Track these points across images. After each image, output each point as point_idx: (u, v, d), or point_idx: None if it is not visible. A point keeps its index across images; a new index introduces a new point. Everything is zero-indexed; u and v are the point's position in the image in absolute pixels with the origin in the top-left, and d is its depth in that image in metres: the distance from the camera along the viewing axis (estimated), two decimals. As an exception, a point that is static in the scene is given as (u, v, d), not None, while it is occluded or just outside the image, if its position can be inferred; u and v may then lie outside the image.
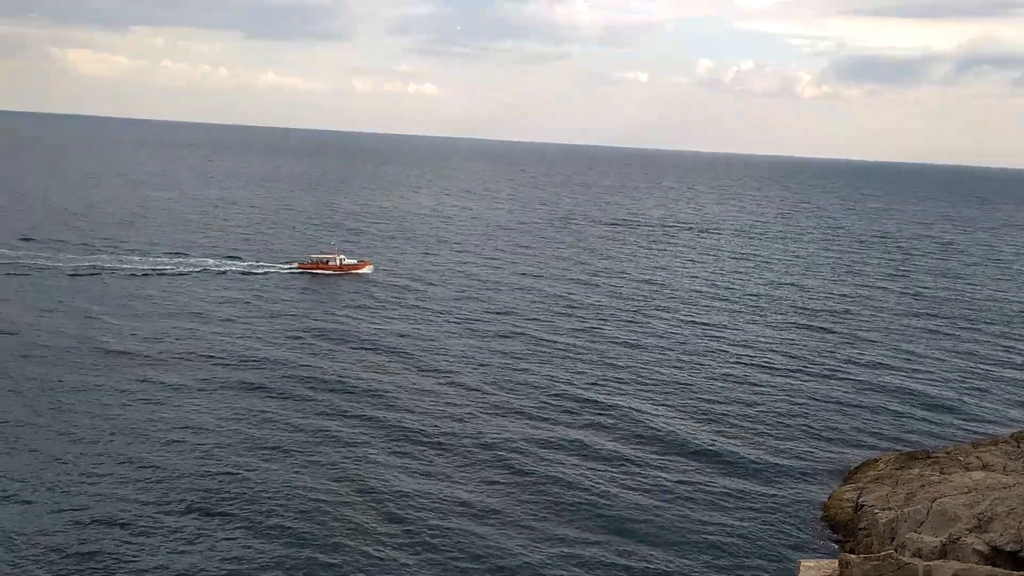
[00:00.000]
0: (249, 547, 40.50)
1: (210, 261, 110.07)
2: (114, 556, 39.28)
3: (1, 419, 54.32)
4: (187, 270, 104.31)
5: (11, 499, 44.10)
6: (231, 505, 44.39)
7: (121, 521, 42.25)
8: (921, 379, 73.24)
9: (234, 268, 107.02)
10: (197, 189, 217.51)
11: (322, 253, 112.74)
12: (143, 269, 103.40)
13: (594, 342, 79.76)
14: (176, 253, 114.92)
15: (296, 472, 48.52)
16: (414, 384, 65.29)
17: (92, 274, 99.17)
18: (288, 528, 42.33)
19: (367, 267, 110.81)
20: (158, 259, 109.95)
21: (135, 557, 39.25)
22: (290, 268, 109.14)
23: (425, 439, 54.29)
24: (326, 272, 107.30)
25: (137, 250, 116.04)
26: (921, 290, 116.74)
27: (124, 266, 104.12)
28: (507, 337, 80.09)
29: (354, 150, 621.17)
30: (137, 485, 46.24)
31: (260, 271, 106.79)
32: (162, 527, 41.94)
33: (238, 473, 47.93)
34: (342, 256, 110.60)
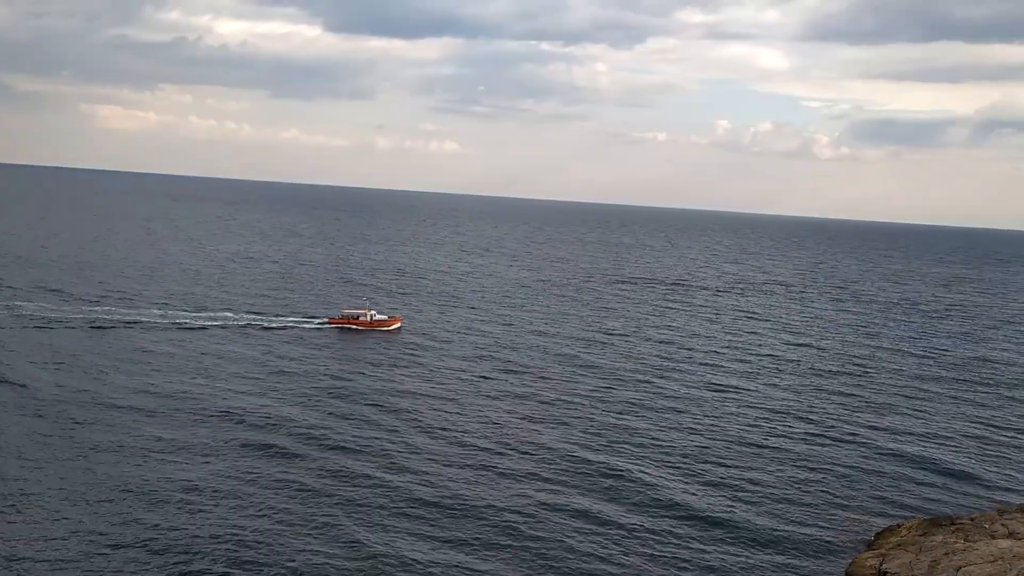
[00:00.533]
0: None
1: (230, 315, 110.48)
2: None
3: (5, 474, 54.30)
4: (210, 324, 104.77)
5: (12, 557, 43.86)
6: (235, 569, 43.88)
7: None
8: (942, 445, 71.96)
9: (262, 323, 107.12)
10: (219, 243, 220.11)
11: (353, 308, 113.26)
12: (184, 322, 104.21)
13: (609, 404, 79.08)
14: (202, 308, 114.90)
15: (305, 536, 48.00)
16: (428, 445, 64.84)
17: (110, 327, 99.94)
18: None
19: (397, 323, 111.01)
20: (181, 312, 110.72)
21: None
22: (320, 323, 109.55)
23: (435, 503, 53.48)
24: (356, 327, 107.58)
25: (186, 303, 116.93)
26: (940, 353, 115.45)
27: (162, 320, 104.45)
28: (522, 397, 79.56)
29: (375, 206, 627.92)
30: (144, 549, 45.86)
31: (290, 325, 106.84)
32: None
33: (241, 536, 47.47)
34: (373, 312, 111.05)
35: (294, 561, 44.29)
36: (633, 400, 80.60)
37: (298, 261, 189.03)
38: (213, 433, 64.13)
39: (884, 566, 44.81)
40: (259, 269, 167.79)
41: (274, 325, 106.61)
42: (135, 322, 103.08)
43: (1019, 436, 76.29)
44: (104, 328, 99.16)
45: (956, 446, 71.75)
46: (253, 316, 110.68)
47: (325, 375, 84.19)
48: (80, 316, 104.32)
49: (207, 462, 58.21)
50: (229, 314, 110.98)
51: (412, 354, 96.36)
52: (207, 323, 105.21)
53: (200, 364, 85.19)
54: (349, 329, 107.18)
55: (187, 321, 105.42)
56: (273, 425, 66.76)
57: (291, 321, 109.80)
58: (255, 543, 46.20)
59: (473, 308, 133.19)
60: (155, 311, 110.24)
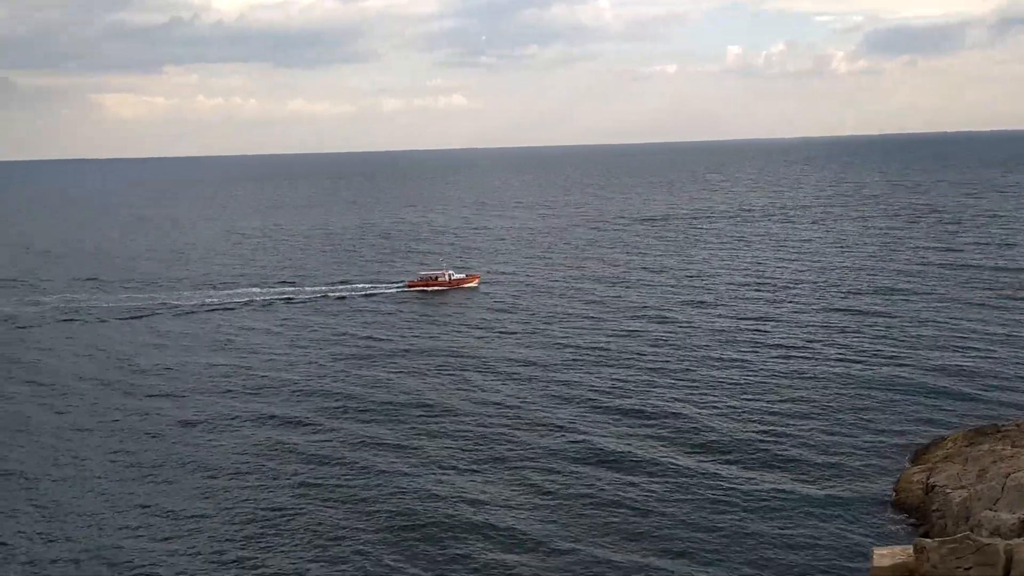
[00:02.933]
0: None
1: (305, 288, 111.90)
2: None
3: (39, 463, 55.57)
4: (285, 298, 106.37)
5: (47, 536, 44.99)
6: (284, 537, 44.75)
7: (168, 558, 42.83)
8: (981, 355, 71.05)
9: (346, 292, 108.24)
10: (266, 219, 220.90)
11: (430, 271, 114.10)
12: (251, 299, 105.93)
13: (640, 344, 78.93)
14: (273, 284, 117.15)
15: (359, 494, 48.79)
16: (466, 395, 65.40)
17: (188, 312, 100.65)
18: (343, 547, 42.53)
19: (476, 280, 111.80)
20: (252, 289, 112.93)
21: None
22: (398, 287, 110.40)
23: (475, 453, 54.16)
24: (436, 288, 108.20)
25: (246, 283, 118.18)
26: (972, 263, 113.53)
27: (241, 299, 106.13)
28: (554, 347, 79.26)
29: (389, 169, 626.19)
30: (202, 521, 46.86)
31: (371, 292, 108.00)
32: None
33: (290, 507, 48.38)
34: (451, 271, 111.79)
35: (351, 520, 45.08)
36: (663, 339, 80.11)
37: (346, 230, 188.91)
38: (317, 406, 64.72)
39: (932, 479, 44.69)
40: (311, 242, 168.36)
41: (354, 294, 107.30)
42: (227, 304, 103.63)
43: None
44: (185, 314, 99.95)
45: (994, 355, 70.84)
46: (327, 288, 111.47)
47: (418, 338, 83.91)
48: (110, 306, 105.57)
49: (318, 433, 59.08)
50: (304, 287, 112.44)
51: (496, 310, 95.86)
52: (277, 298, 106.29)
53: (296, 337, 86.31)
54: (429, 291, 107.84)
55: (263, 297, 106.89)
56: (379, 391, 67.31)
57: (368, 288, 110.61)
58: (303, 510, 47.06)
59: (509, 263, 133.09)
60: (255, 288, 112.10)
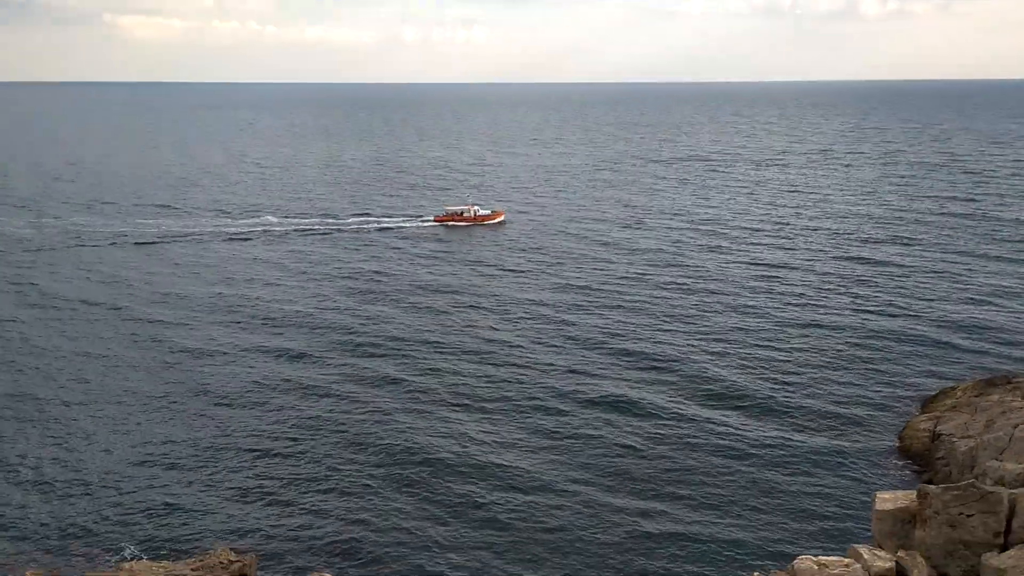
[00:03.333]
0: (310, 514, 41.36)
1: (337, 219, 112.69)
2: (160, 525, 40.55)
3: (62, 390, 56.25)
4: (308, 228, 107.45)
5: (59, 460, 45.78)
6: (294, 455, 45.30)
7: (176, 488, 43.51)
8: (996, 308, 70.45)
9: (364, 225, 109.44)
10: (297, 148, 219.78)
11: (455, 205, 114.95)
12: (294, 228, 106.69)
13: (652, 288, 78.64)
14: (303, 213, 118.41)
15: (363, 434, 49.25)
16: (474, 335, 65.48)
17: (211, 240, 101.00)
18: (339, 494, 43.07)
19: (501, 216, 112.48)
20: (288, 219, 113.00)
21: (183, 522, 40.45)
22: (421, 222, 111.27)
23: (478, 401, 54.28)
24: (462, 223, 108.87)
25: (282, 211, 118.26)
26: (992, 215, 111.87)
27: (277, 228, 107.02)
28: (567, 288, 79.11)
29: (408, 103, 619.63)
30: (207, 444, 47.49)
31: (388, 227, 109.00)
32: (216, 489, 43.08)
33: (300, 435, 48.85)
34: (476, 207, 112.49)
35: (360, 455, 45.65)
36: (677, 284, 79.74)
37: (363, 163, 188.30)
38: (328, 338, 65.23)
39: (939, 428, 44.70)
40: (327, 173, 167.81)
41: (386, 225, 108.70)
42: (243, 233, 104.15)
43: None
44: (200, 241, 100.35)
45: (1010, 308, 70.29)
46: (365, 219, 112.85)
47: (432, 275, 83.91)
48: (128, 231, 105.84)
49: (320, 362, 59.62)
50: (322, 219, 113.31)
51: (510, 249, 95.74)
52: (294, 229, 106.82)
53: (310, 269, 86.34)
54: (455, 225, 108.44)
55: (280, 228, 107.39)
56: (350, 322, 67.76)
57: (386, 222, 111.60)
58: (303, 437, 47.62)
59: (544, 200, 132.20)
60: (271, 218, 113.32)
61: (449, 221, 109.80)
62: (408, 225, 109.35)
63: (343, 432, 48.05)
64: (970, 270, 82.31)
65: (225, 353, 61.45)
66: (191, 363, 59.54)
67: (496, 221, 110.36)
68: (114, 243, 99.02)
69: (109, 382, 56.42)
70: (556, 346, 62.22)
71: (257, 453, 45.77)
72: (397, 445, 46.16)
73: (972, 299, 72.66)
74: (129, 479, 43.19)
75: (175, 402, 52.91)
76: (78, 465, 44.81)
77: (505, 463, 44.17)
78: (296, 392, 54.00)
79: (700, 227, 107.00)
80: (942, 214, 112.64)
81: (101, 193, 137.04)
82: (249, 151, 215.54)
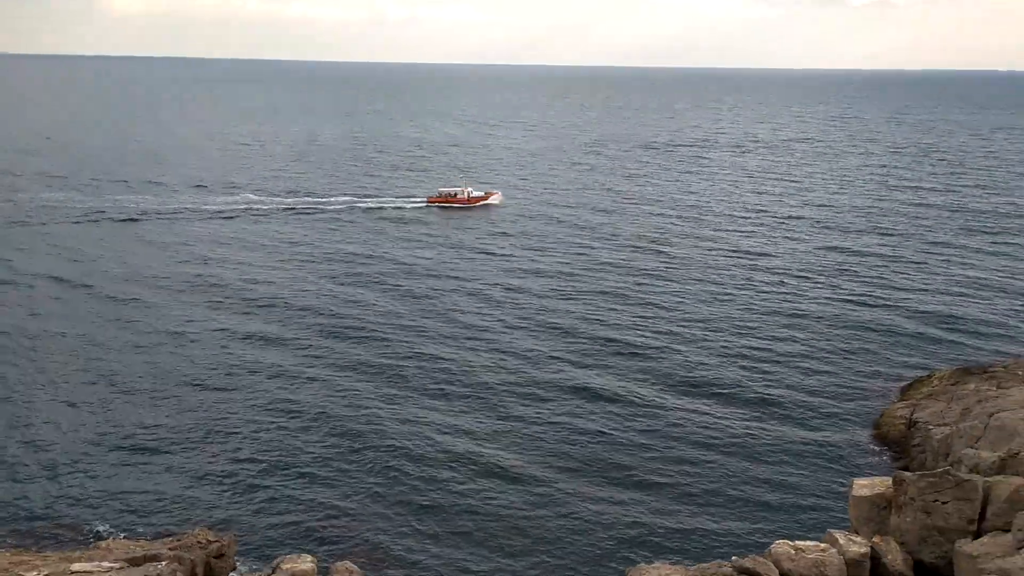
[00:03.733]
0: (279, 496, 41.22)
1: (331, 199, 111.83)
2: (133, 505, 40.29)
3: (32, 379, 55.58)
4: (292, 206, 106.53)
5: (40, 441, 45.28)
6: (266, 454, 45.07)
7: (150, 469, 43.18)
8: (974, 297, 71.16)
9: (360, 205, 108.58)
10: (282, 126, 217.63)
11: (449, 187, 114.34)
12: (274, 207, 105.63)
13: (634, 276, 78.51)
14: (309, 192, 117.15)
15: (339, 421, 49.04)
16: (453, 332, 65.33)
17: (186, 218, 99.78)
18: (314, 477, 42.95)
19: (495, 197, 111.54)
20: (274, 198, 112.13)
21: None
22: (417, 203, 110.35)
23: (450, 389, 54.09)
24: (456, 205, 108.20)
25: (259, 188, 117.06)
26: (969, 205, 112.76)
27: (265, 206, 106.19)
28: (538, 275, 78.11)
29: (393, 83, 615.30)
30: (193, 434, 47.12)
31: (384, 206, 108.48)
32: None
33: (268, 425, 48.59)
34: (470, 189, 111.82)
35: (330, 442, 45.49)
36: (652, 270, 79.39)
37: (359, 142, 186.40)
38: (305, 321, 64.83)
39: (915, 415, 45.15)
40: (324, 153, 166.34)
41: (377, 206, 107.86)
42: (224, 212, 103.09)
43: (1053, 283, 75.42)
44: (179, 220, 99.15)
45: (988, 297, 70.98)
46: (351, 199, 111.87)
47: (415, 259, 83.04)
48: (106, 207, 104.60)
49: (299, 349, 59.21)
50: (305, 198, 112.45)
51: (493, 234, 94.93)
52: (277, 208, 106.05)
53: (293, 250, 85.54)
54: (448, 207, 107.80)
55: (284, 204, 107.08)
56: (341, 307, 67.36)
57: (384, 202, 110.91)
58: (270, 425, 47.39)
59: (528, 183, 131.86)
60: (252, 196, 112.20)
61: (443, 203, 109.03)
62: (399, 206, 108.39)
63: (320, 417, 47.62)
64: (947, 261, 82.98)
65: (201, 335, 60.62)
66: (167, 344, 58.71)
67: (489, 202, 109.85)
68: (89, 220, 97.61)
69: (81, 362, 55.47)
70: (536, 332, 61.97)
71: (234, 436, 45.29)
72: (375, 431, 45.77)
73: (949, 290, 73.21)
74: (102, 462, 42.61)
75: (150, 384, 52.14)
76: (48, 447, 43.99)
77: (483, 451, 43.97)
78: (274, 376, 53.39)
79: (682, 213, 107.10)
80: (920, 204, 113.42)
81: (76, 168, 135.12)
82: (229, 128, 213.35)
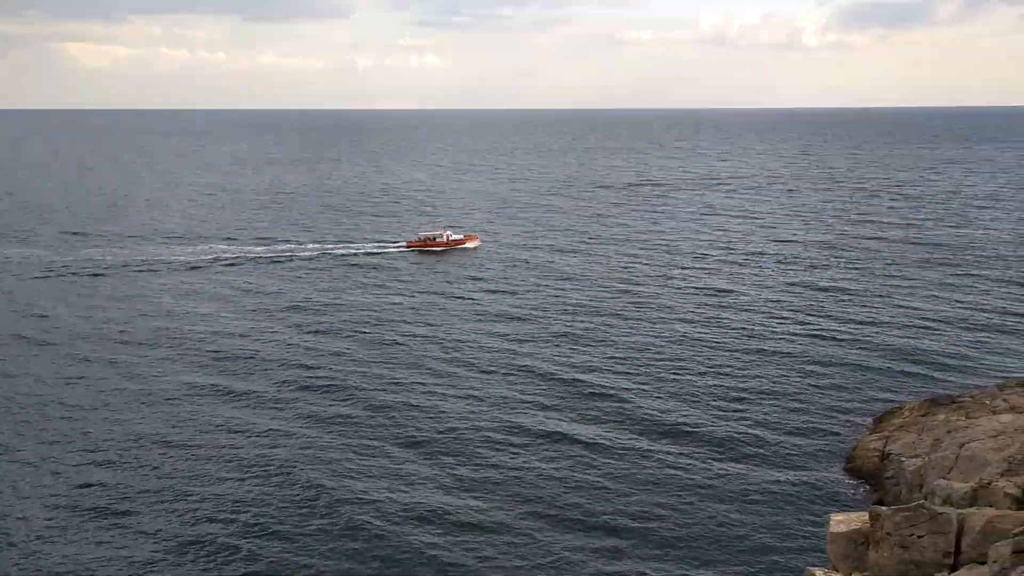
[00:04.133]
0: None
1: (314, 245, 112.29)
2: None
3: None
4: (260, 255, 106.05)
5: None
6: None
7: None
8: (939, 328, 72.25)
9: (343, 251, 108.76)
10: (254, 177, 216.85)
11: (429, 231, 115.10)
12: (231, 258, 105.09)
13: (599, 318, 78.51)
14: (260, 238, 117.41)
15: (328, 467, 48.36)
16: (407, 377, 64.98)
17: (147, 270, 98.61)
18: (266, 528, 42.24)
19: (474, 241, 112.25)
20: (253, 247, 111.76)
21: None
22: (398, 247, 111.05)
23: (412, 436, 53.68)
24: (435, 248, 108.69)
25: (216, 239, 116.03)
26: (927, 238, 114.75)
27: (248, 254, 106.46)
28: (509, 319, 77.62)
29: (362, 128, 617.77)
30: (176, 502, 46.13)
31: (372, 251, 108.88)
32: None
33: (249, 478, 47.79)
34: (449, 232, 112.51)
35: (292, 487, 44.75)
36: (620, 312, 78.75)
37: (328, 189, 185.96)
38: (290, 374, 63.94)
39: (888, 447, 45.49)
40: (280, 199, 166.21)
41: (356, 251, 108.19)
42: (193, 262, 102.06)
43: (1013, 311, 76.79)
44: (146, 271, 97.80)
45: (953, 328, 72.11)
46: (330, 245, 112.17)
47: (384, 304, 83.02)
48: (71, 261, 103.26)
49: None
50: (313, 244, 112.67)
51: (462, 279, 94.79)
52: (247, 256, 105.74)
53: (259, 300, 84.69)
54: (428, 251, 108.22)
55: (230, 255, 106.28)
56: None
57: (382, 245, 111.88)
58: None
59: (497, 226, 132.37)
60: (221, 246, 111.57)
61: (422, 246, 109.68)
62: (370, 252, 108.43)
63: (291, 472, 46.43)
64: (911, 294, 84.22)
65: (169, 391, 59.18)
66: (132, 403, 57.15)
67: (469, 246, 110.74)
68: (55, 275, 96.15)
69: (43, 422, 53.86)
70: (507, 377, 61.31)
71: (203, 496, 44.03)
72: (342, 488, 44.58)
73: (914, 323, 74.13)
74: (66, 526, 41.27)
75: (115, 444, 50.56)
76: (5, 513, 42.49)
77: (455, 502, 43.15)
78: (242, 431, 52.03)
79: (650, 253, 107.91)
80: (882, 239, 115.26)
81: (37, 223, 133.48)
82: (195, 178, 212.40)
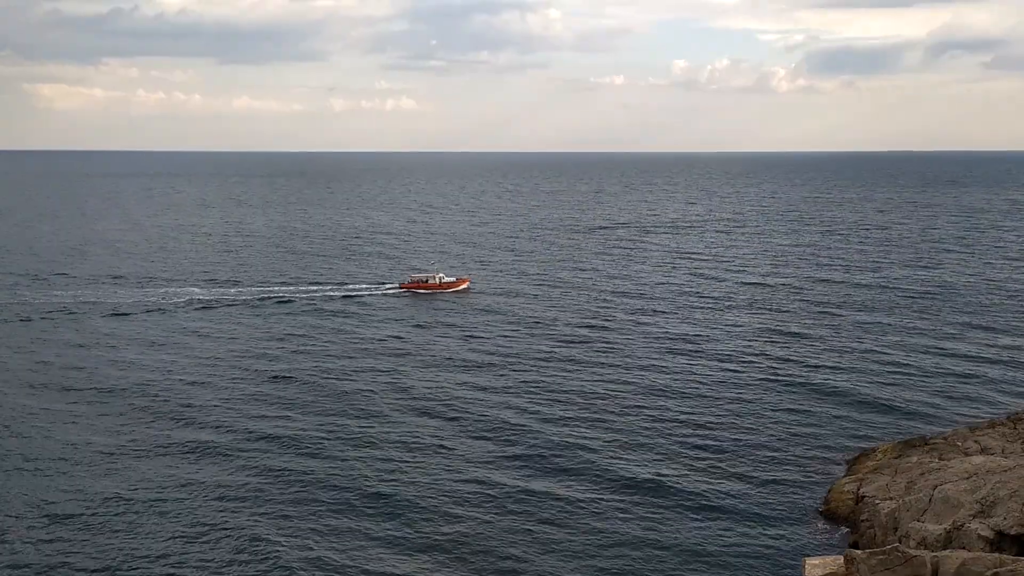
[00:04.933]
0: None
1: (299, 287, 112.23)
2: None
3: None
4: (234, 299, 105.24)
5: None
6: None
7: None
8: (911, 370, 72.90)
9: (335, 292, 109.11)
10: (244, 221, 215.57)
11: (421, 272, 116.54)
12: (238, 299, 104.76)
13: (579, 355, 78.52)
14: (232, 280, 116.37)
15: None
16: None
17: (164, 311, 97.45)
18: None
19: (466, 284, 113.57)
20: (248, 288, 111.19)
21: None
22: (391, 289, 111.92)
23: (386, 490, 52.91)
24: (427, 291, 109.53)
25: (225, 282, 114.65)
26: (894, 282, 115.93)
27: (241, 297, 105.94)
28: (479, 367, 75.68)
29: (336, 171, 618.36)
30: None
31: (365, 293, 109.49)
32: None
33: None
34: (441, 275, 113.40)
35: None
36: (593, 360, 77.29)
37: (301, 232, 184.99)
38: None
39: (862, 490, 45.55)
40: (256, 242, 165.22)
41: (348, 294, 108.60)
42: (163, 306, 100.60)
43: (984, 354, 77.78)
44: (119, 314, 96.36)
45: (925, 370, 72.80)
46: (318, 287, 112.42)
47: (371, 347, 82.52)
48: (66, 302, 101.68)
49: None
50: (297, 286, 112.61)
51: (437, 321, 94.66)
52: (222, 297, 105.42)
53: (231, 345, 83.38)
54: (421, 293, 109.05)
55: (204, 297, 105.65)
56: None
57: (373, 287, 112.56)
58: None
59: (469, 268, 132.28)
60: (195, 289, 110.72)
61: (415, 287, 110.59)
62: (351, 294, 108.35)
63: (261, 544, 43.11)
64: (881, 336, 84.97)
65: (132, 447, 56.12)
66: (94, 458, 54.14)
67: (460, 288, 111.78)
68: (18, 318, 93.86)
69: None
70: (478, 434, 58.80)
71: (171, 564, 41.38)
72: (295, 548, 42.47)
73: (885, 364, 74.67)
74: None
75: (77, 507, 47.35)
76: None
77: (419, 562, 41.43)
78: (207, 492, 49.23)
79: (622, 298, 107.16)
80: (852, 284, 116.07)
81: (8, 264, 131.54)
82: (168, 219, 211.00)
